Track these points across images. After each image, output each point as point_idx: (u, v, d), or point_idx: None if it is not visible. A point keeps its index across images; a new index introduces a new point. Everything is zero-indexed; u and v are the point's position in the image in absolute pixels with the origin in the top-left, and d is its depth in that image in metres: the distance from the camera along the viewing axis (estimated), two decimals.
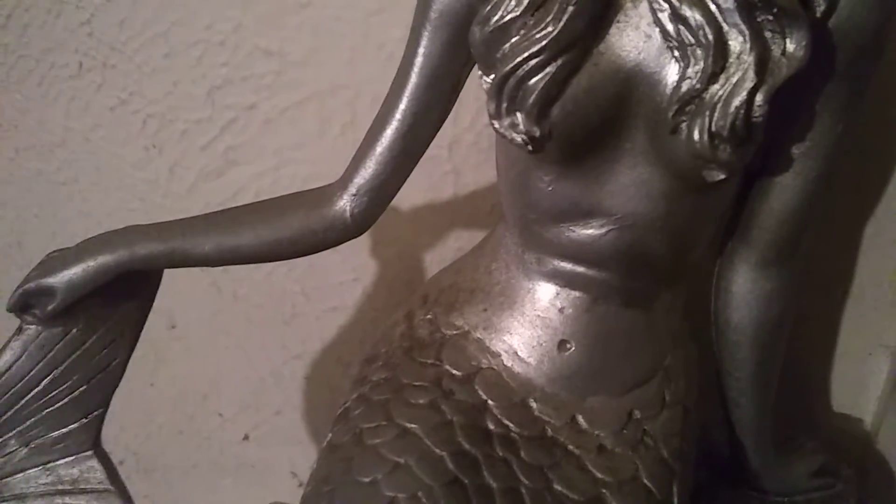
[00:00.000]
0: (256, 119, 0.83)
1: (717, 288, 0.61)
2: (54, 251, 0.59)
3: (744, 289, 0.59)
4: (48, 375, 0.58)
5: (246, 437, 1.03)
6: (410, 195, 0.78)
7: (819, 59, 0.46)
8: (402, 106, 0.55)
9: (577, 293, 0.56)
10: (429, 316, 0.61)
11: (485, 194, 0.80)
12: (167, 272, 0.62)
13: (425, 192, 0.82)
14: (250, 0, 0.77)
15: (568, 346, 0.57)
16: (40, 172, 0.94)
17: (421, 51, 0.53)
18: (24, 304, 0.56)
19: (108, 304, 0.58)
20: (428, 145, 0.57)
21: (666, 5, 0.44)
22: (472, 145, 0.77)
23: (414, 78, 0.54)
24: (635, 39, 0.47)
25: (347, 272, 0.88)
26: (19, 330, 0.58)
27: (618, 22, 0.47)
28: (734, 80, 0.44)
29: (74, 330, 0.58)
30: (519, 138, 0.48)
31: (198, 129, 0.85)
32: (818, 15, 0.45)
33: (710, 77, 0.44)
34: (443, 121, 0.57)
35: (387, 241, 0.85)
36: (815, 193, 0.54)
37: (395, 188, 0.58)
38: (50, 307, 0.56)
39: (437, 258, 0.85)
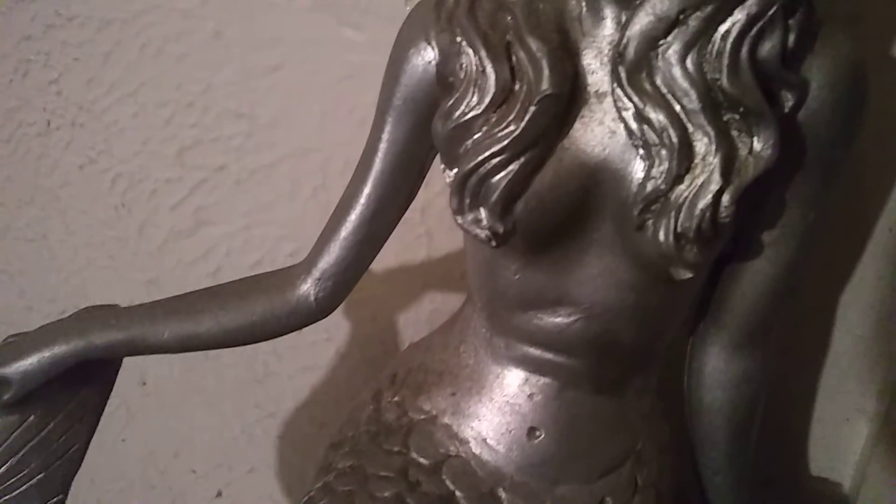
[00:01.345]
0: (227, 180, 0.81)
1: (690, 368, 0.59)
2: (10, 337, 0.58)
3: (716, 370, 0.58)
4: (5, 463, 0.57)
5: (219, 494, 1.02)
6: (384, 257, 0.77)
7: (788, 151, 0.45)
8: (367, 191, 0.54)
9: (546, 379, 0.55)
10: (396, 398, 0.60)
11: (458, 257, 0.79)
12: None
13: (399, 255, 0.81)
14: (220, 62, 0.76)
15: (537, 433, 0.55)
16: (8, 228, 0.93)
17: (385, 136, 0.52)
18: None
19: (66, 390, 0.57)
20: (393, 228, 0.56)
21: (630, 104, 0.43)
22: (445, 209, 0.75)
23: (378, 164, 0.53)
24: (600, 135, 0.46)
25: (320, 332, 0.87)
26: None
27: (582, 117, 0.46)
28: (700, 181, 0.43)
29: (31, 417, 0.56)
30: (482, 234, 0.47)
31: (167, 189, 0.84)
32: (786, 110, 0.45)
33: (675, 178, 0.43)
34: (409, 204, 0.56)
35: (360, 301, 0.84)
36: (786, 279, 0.53)
37: (360, 272, 0.57)
38: (5, 397, 0.54)
39: (410, 319, 0.84)
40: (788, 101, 0.44)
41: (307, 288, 0.56)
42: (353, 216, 0.54)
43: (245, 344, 0.57)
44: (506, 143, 0.44)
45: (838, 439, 0.77)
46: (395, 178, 0.53)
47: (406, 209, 0.56)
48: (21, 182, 0.89)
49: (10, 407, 0.55)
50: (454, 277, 0.80)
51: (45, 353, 0.53)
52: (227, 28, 0.74)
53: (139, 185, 0.85)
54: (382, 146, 0.52)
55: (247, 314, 0.56)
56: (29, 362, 0.53)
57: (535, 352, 0.54)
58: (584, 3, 0.46)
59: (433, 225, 0.78)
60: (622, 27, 0.44)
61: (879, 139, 0.62)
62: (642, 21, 0.42)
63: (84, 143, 0.84)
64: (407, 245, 0.80)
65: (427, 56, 0.49)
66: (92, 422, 0.59)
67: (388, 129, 0.52)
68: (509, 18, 0.45)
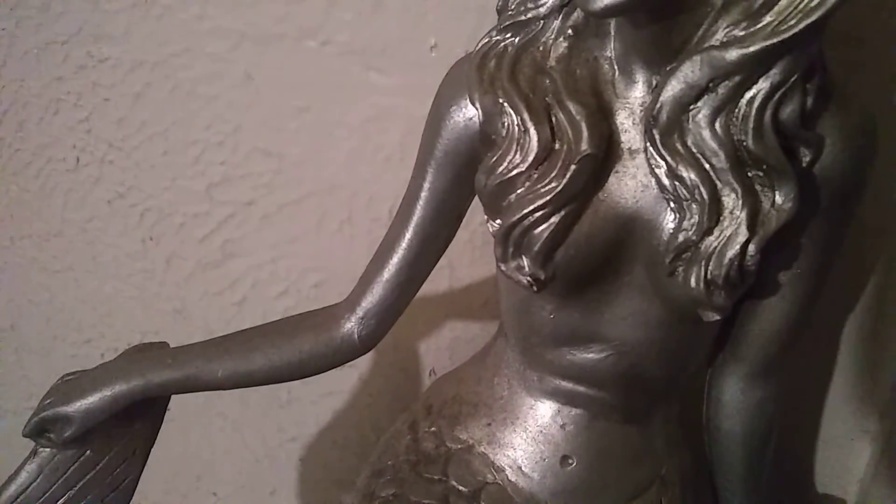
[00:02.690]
0: (254, 215, 0.84)
1: (709, 397, 0.63)
2: (67, 375, 0.61)
3: (734, 399, 0.62)
4: (63, 496, 0.59)
5: None
6: None
7: (806, 200, 0.49)
8: (409, 235, 0.57)
9: (577, 410, 0.59)
10: (433, 428, 0.63)
11: (478, 288, 0.83)
12: None
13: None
14: (250, 104, 0.79)
15: (570, 461, 0.59)
16: (35, 260, 0.96)
17: (427, 185, 0.56)
18: (40, 430, 0.58)
19: (120, 426, 0.60)
20: (432, 268, 0.60)
21: (662, 163, 0.47)
22: (467, 242, 0.79)
23: (420, 210, 0.56)
24: (633, 188, 0.49)
25: None
26: (34, 452, 0.59)
27: (616, 172, 0.50)
28: (728, 233, 0.47)
29: (88, 452, 0.59)
30: (524, 280, 0.51)
31: (195, 223, 0.87)
32: (804, 165, 0.48)
33: (706, 231, 0.47)
34: (447, 246, 0.59)
35: None
36: (801, 316, 0.57)
37: (401, 310, 0.60)
38: (66, 434, 0.57)
39: (431, 347, 0.87)
40: (806, 156, 0.48)
41: (351, 326, 0.59)
42: (396, 259, 0.58)
43: (293, 380, 0.61)
44: (548, 198, 0.48)
45: (843, 459, 0.81)
46: (436, 224, 0.57)
47: (444, 251, 0.59)
48: (49, 215, 0.92)
49: (69, 442, 0.58)
50: (474, 308, 0.84)
51: (107, 393, 0.56)
52: (257, 71, 0.77)
53: (167, 219, 0.88)
54: (424, 194, 0.56)
55: (295, 352, 0.59)
56: (90, 401, 0.56)
57: (567, 385, 0.58)
58: (616, 67, 0.49)
59: (454, 257, 0.81)
60: (653, 90, 0.48)
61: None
62: (675, 88, 0.46)
63: (113, 179, 0.87)
64: (429, 277, 0.83)
65: (468, 113, 0.52)
66: (144, 455, 0.62)
67: (429, 178, 0.55)
68: (548, 82, 0.49)
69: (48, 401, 0.58)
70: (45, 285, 0.97)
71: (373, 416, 0.92)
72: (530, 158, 0.48)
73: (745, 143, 0.46)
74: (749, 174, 0.47)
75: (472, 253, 0.80)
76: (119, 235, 0.90)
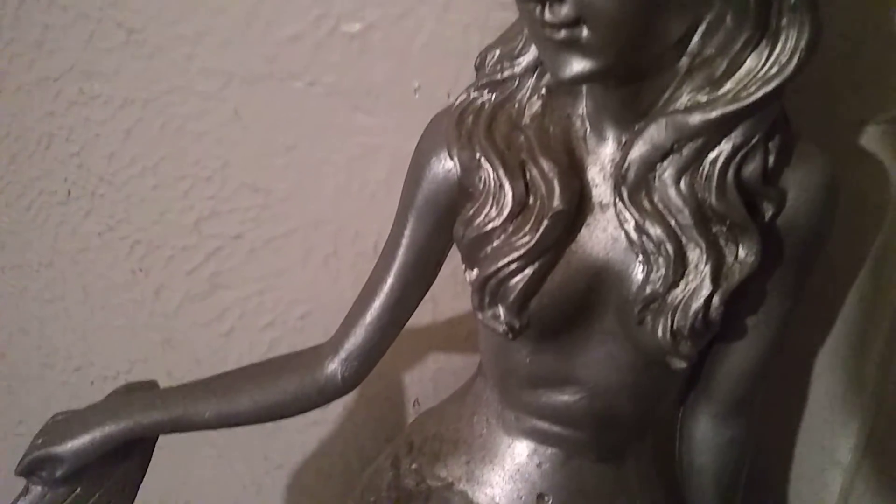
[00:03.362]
0: (242, 248, 0.86)
1: (681, 434, 0.65)
2: (59, 415, 0.62)
3: (705, 437, 0.64)
4: None
5: None
6: None
7: (768, 251, 0.51)
8: (391, 280, 0.59)
9: (553, 449, 0.61)
10: (414, 465, 0.65)
11: (461, 321, 0.84)
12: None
13: None
14: (238, 141, 0.81)
15: (546, 499, 0.61)
16: (27, 289, 0.97)
17: (408, 233, 0.58)
18: (32, 469, 0.59)
19: (110, 464, 0.61)
20: (414, 311, 0.62)
21: (630, 218, 0.49)
22: (450, 276, 0.81)
23: (401, 257, 0.58)
24: (604, 240, 0.52)
25: None
26: (26, 489, 0.61)
27: (588, 224, 0.52)
28: (692, 286, 0.49)
29: (78, 489, 0.61)
30: (500, 328, 0.53)
31: (184, 256, 0.88)
32: (767, 219, 0.51)
33: (671, 284, 0.49)
34: (428, 289, 0.61)
35: None
36: (767, 358, 0.59)
37: (383, 351, 0.62)
38: (57, 473, 0.59)
39: (415, 378, 0.89)
40: (769, 210, 0.50)
41: (334, 368, 0.61)
42: (378, 303, 0.60)
43: (279, 419, 0.62)
44: (522, 251, 0.50)
45: (815, 489, 0.83)
46: (416, 269, 0.59)
47: (426, 294, 0.61)
48: (40, 246, 0.93)
49: (60, 481, 0.60)
50: (457, 340, 0.86)
51: (97, 434, 0.58)
52: (245, 109, 0.79)
53: (156, 251, 0.89)
54: (405, 241, 0.58)
55: (280, 393, 0.61)
56: (81, 442, 0.58)
57: (543, 424, 0.60)
58: (588, 124, 0.52)
59: (438, 291, 0.81)
60: (622, 147, 0.50)
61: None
62: (641, 148, 0.48)
63: (104, 212, 0.89)
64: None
65: (447, 165, 0.55)
66: (133, 491, 0.64)
67: (410, 225, 0.58)
68: (523, 138, 0.51)
69: (40, 440, 0.59)
70: (37, 314, 0.98)
71: (358, 445, 0.93)
72: (505, 213, 0.50)
73: (708, 201, 0.48)
74: (713, 229, 0.49)
75: (454, 287, 0.82)
76: (109, 267, 0.92)
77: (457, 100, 0.54)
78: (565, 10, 0.42)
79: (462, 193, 0.54)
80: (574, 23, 0.42)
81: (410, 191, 0.57)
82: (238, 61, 0.77)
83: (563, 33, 0.43)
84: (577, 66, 0.44)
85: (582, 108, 0.52)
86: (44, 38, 0.81)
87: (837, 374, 0.78)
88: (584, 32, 0.42)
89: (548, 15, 0.42)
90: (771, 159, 0.49)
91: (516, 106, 0.52)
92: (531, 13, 0.43)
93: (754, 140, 0.47)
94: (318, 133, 0.78)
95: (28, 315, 0.98)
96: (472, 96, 0.53)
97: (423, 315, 0.85)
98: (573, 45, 0.43)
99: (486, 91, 0.53)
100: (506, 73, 0.52)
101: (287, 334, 0.89)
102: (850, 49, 0.63)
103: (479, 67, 0.54)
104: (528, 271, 0.51)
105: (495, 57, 0.52)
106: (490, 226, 0.51)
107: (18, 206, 0.92)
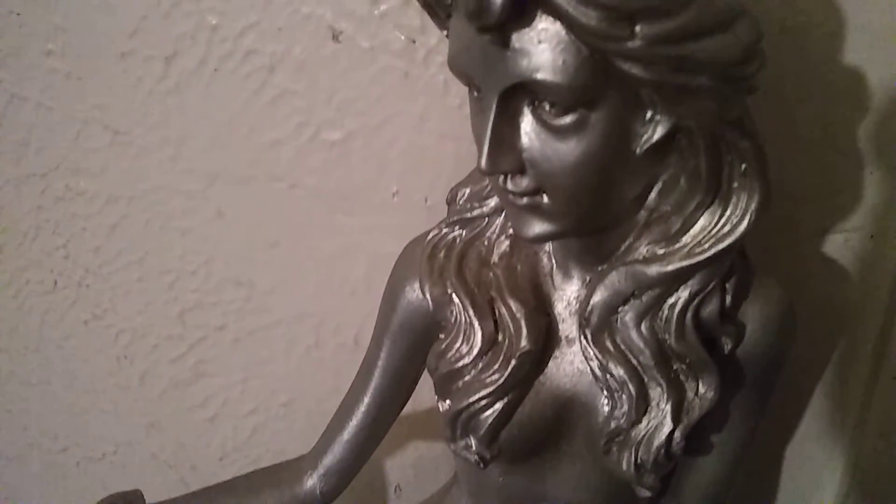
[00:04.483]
0: (225, 338, 0.88)
1: None
2: None
3: None
4: None
5: None
6: None
7: (729, 380, 0.53)
8: (367, 400, 0.61)
9: None
10: None
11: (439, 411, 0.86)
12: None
13: None
14: (222, 238, 0.82)
15: None
16: (13, 373, 0.98)
17: (383, 355, 0.60)
18: None
19: None
20: (391, 426, 0.64)
21: (594, 357, 0.52)
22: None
23: (377, 379, 0.60)
24: (570, 373, 0.54)
25: None
26: None
27: (555, 357, 0.54)
28: (654, 423, 0.51)
29: None
30: (472, 458, 0.55)
31: (168, 345, 0.90)
32: (726, 352, 0.53)
33: (634, 421, 0.51)
34: (403, 407, 0.63)
35: None
36: (732, 469, 0.61)
37: (361, 465, 0.64)
38: None
39: (396, 464, 0.91)
40: (728, 344, 0.53)
41: (314, 483, 0.63)
42: (355, 421, 0.62)
43: None
44: (492, 388, 0.52)
45: None
46: (391, 390, 0.61)
47: (401, 410, 0.63)
48: (26, 333, 0.95)
49: None
50: (436, 429, 0.87)
51: None
52: (229, 209, 0.81)
53: (142, 340, 0.91)
54: (381, 363, 0.60)
55: None
56: None
57: None
58: (554, 261, 0.54)
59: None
60: (587, 285, 0.52)
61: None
62: (603, 294, 0.50)
63: (89, 302, 0.90)
64: None
65: (420, 295, 0.57)
66: None
67: (385, 348, 0.60)
68: (492, 276, 0.54)
69: None
70: (23, 396, 0.99)
71: None
72: (475, 351, 0.53)
73: (668, 342, 0.50)
74: (674, 366, 0.51)
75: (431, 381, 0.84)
76: (95, 353, 0.93)
77: (429, 234, 0.56)
78: (526, 182, 0.44)
79: (434, 323, 0.56)
80: (535, 192, 0.45)
81: (386, 315, 0.59)
82: (221, 163, 0.79)
83: (525, 200, 0.45)
84: (539, 227, 0.46)
85: (549, 245, 0.54)
86: (30, 136, 0.83)
87: (817, 418, 0.80)
88: (545, 200, 0.45)
89: (510, 185, 0.44)
90: (728, 298, 0.51)
91: (486, 243, 0.55)
92: (495, 180, 0.45)
93: (711, 286, 0.50)
94: (300, 232, 0.80)
95: (14, 397, 1.00)
96: (443, 231, 0.56)
97: None
98: (535, 210, 0.46)
99: (457, 227, 0.55)
100: (475, 212, 0.54)
101: (270, 420, 0.91)
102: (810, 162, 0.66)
103: (450, 202, 0.56)
104: (498, 406, 0.53)
105: (465, 196, 0.55)
106: (461, 362, 0.53)
107: (5, 294, 0.93)
